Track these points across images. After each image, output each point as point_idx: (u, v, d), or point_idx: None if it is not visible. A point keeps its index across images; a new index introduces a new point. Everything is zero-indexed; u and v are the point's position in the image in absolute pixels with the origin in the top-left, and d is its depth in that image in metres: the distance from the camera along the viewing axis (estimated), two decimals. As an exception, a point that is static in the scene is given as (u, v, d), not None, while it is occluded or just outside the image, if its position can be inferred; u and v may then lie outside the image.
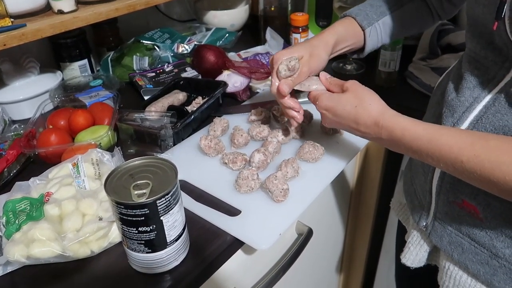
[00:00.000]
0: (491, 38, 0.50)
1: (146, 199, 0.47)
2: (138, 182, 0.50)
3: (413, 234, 0.66)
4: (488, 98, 0.50)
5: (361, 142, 0.77)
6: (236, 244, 0.61)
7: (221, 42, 1.12)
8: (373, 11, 0.72)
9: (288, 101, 0.66)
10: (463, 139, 0.46)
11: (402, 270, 0.83)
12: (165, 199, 0.48)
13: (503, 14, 0.45)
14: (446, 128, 0.50)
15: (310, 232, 0.74)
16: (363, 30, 0.71)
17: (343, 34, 0.70)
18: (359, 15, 0.71)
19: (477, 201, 0.52)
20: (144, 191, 0.48)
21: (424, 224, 0.62)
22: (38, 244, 0.54)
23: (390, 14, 0.72)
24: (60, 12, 0.80)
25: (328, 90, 0.65)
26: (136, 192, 0.48)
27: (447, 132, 0.48)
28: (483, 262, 0.54)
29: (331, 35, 0.69)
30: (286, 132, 0.76)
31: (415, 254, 0.66)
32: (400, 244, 0.81)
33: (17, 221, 0.57)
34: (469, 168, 0.45)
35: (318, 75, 0.67)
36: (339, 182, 0.93)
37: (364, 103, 0.57)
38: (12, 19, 0.75)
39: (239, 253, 0.64)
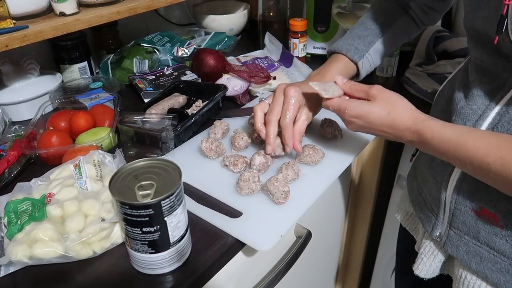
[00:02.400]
0: (497, 47, 0.50)
1: (151, 199, 0.48)
2: (143, 183, 0.50)
3: (426, 244, 0.65)
4: (500, 105, 0.50)
5: (359, 146, 0.78)
6: (237, 246, 0.61)
7: (220, 46, 1.13)
8: (361, 42, 0.75)
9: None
10: (489, 141, 0.47)
11: (404, 278, 0.82)
12: (170, 200, 0.49)
13: (504, 28, 0.45)
14: (474, 131, 0.51)
15: (309, 235, 0.75)
16: (356, 64, 0.75)
17: (333, 73, 0.74)
18: (350, 51, 0.75)
19: (497, 209, 0.52)
20: (148, 191, 0.49)
21: (438, 234, 0.61)
22: (40, 244, 0.54)
23: (379, 39, 0.75)
24: (62, 14, 0.81)
25: (349, 95, 0.65)
26: (140, 192, 0.49)
27: (474, 135, 0.49)
28: (503, 270, 0.54)
29: (332, 74, 0.74)
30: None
31: (429, 265, 0.65)
32: (404, 253, 0.80)
33: (19, 222, 0.57)
34: (495, 170, 0.46)
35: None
36: (337, 185, 0.94)
37: (397, 109, 0.58)
38: (14, 21, 0.76)
39: (240, 255, 0.64)
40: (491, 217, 0.53)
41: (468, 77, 0.57)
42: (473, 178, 0.53)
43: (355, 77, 0.78)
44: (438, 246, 0.64)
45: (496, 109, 0.51)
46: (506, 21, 0.45)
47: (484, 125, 0.52)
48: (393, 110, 0.58)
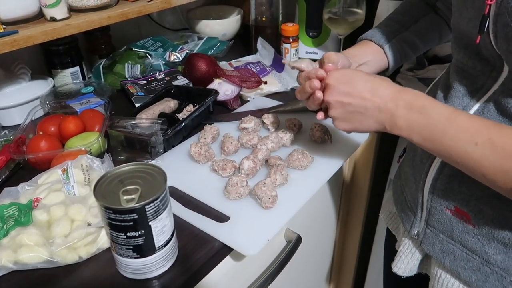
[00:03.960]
0: (478, 49, 0.51)
1: (135, 204, 0.48)
2: (128, 187, 0.50)
3: (404, 242, 0.66)
4: (477, 106, 0.52)
5: (349, 150, 0.78)
6: (224, 251, 0.61)
7: (212, 51, 1.13)
8: (388, 30, 0.75)
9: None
10: (480, 121, 0.46)
11: (390, 279, 0.84)
12: (154, 205, 0.49)
13: (485, 27, 0.46)
14: (464, 111, 0.50)
15: (299, 239, 0.75)
16: (383, 48, 0.73)
17: (357, 51, 0.73)
18: (375, 36, 0.74)
19: (469, 208, 0.53)
20: (133, 196, 0.49)
21: (416, 232, 0.62)
22: (25, 249, 0.54)
23: (406, 30, 0.74)
24: (53, 19, 0.81)
25: None
26: (125, 197, 0.49)
27: (465, 114, 0.48)
28: (475, 269, 0.54)
29: (348, 49, 0.74)
30: (278, 139, 0.78)
31: (407, 263, 0.66)
32: (389, 253, 0.81)
33: (5, 227, 0.57)
34: (481, 152, 0.45)
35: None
36: (328, 190, 0.94)
37: (380, 78, 0.56)
38: (4, 26, 0.76)
39: (228, 259, 0.64)
40: (464, 215, 0.54)
41: (449, 79, 0.58)
42: (447, 177, 0.54)
43: (386, 69, 0.76)
44: (415, 244, 0.65)
45: (473, 110, 0.52)
46: (487, 21, 0.45)
47: None
48: (377, 76, 0.56)
